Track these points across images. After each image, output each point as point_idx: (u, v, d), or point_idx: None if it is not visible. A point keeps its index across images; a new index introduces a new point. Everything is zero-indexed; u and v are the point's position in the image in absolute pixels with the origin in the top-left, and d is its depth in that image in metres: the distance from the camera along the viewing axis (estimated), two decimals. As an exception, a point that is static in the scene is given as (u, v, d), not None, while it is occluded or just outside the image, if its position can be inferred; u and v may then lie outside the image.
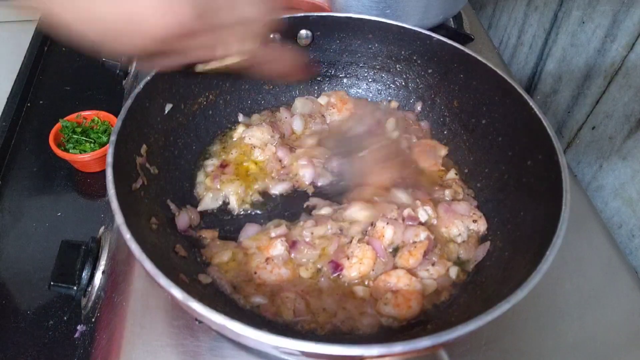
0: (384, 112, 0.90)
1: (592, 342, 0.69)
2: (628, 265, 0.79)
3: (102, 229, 0.80)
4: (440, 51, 0.82)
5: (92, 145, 1.00)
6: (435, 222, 0.73)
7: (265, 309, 0.63)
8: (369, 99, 0.93)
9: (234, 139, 0.82)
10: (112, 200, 0.53)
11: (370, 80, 0.92)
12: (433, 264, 0.67)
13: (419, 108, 0.89)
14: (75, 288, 0.71)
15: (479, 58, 0.77)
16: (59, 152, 0.97)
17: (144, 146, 0.68)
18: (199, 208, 0.74)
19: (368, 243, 0.68)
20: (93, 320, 0.69)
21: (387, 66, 0.89)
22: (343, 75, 0.92)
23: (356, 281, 0.66)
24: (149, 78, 0.67)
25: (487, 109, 0.78)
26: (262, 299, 0.63)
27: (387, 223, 0.69)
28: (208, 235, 0.71)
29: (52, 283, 0.70)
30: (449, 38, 0.80)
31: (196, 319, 0.63)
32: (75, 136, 1.00)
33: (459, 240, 0.72)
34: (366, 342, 0.44)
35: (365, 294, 0.65)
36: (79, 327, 0.73)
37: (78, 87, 1.23)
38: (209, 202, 0.75)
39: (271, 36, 0.82)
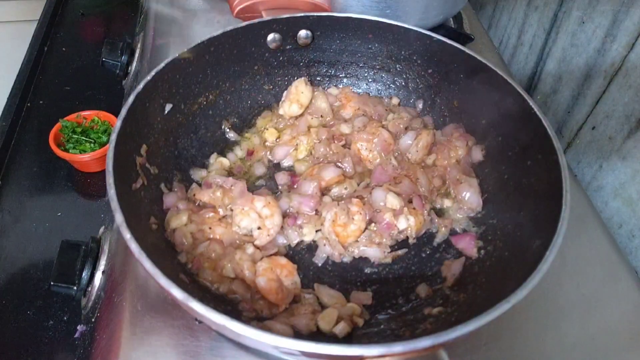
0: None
1: (592, 342, 0.69)
2: (628, 265, 0.79)
3: (102, 229, 0.80)
4: (440, 51, 0.82)
5: (92, 145, 1.00)
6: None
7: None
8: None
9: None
10: (112, 200, 0.53)
11: (370, 80, 0.92)
12: None
13: (419, 108, 0.89)
14: (75, 288, 0.71)
15: (479, 58, 0.77)
16: (59, 152, 0.97)
17: (144, 146, 0.68)
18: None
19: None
20: (93, 320, 0.69)
21: (387, 66, 0.89)
22: (343, 75, 0.92)
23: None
24: (149, 78, 0.67)
25: (487, 109, 0.78)
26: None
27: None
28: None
29: (52, 283, 0.70)
30: (449, 38, 0.80)
31: (196, 319, 0.63)
32: (75, 136, 1.00)
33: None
34: (366, 343, 0.44)
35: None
36: (79, 327, 0.73)
37: (78, 87, 1.23)
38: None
39: (271, 36, 0.83)
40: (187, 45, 0.73)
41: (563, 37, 1.04)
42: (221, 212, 0.71)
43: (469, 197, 0.75)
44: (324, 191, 0.77)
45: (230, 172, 0.80)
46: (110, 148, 0.58)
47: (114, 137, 0.59)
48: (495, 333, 0.67)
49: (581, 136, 0.99)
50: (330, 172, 0.77)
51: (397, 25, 0.82)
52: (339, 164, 0.80)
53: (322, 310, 0.63)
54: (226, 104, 0.84)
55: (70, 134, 1.00)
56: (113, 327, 0.65)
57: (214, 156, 0.81)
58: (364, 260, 0.72)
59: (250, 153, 0.83)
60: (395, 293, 0.68)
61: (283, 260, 0.67)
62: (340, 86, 0.92)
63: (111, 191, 0.54)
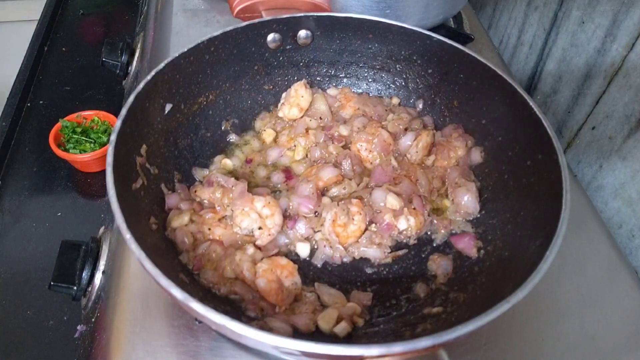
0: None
1: (592, 342, 0.69)
2: (628, 265, 0.79)
3: (102, 229, 0.80)
4: (440, 51, 0.82)
5: (92, 145, 1.00)
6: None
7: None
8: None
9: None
10: (112, 200, 0.53)
11: (370, 80, 0.92)
12: None
13: (419, 108, 0.89)
14: (75, 288, 0.71)
15: (479, 58, 0.77)
16: (59, 152, 0.97)
17: (144, 146, 0.68)
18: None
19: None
20: (93, 320, 0.69)
21: (387, 66, 0.89)
22: (343, 75, 0.92)
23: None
24: (149, 78, 0.67)
25: (487, 109, 0.78)
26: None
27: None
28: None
29: (52, 283, 0.70)
30: (449, 38, 0.80)
31: (196, 319, 0.63)
32: (75, 136, 1.00)
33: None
34: (366, 343, 0.44)
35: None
36: (79, 327, 0.73)
37: (78, 87, 1.23)
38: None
39: (271, 36, 0.83)
40: (187, 45, 0.73)
41: (563, 37, 1.04)
42: (219, 209, 0.70)
43: (466, 201, 0.75)
44: (323, 191, 0.77)
45: (233, 175, 0.80)
46: (110, 148, 0.58)
47: (114, 137, 0.59)
48: (495, 333, 0.67)
49: (581, 136, 0.99)
50: (328, 172, 0.77)
51: (397, 25, 0.82)
52: (338, 165, 0.80)
53: (322, 310, 0.63)
54: (226, 104, 0.84)
55: (70, 134, 1.00)
56: (113, 327, 0.65)
57: (218, 157, 0.81)
58: (364, 260, 0.72)
59: (249, 161, 0.83)
60: (395, 293, 0.68)
61: (284, 261, 0.67)
62: (340, 86, 0.92)
63: (111, 191, 0.54)
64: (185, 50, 0.73)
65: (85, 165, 1.00)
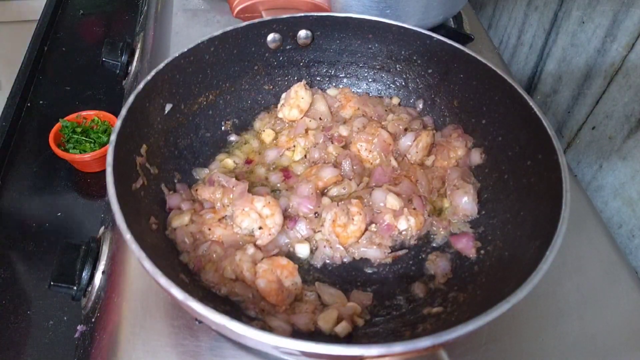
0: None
1: (592, 342, 0.69)
2: (628, 265, 0.79)
3: (102, 229, 0.80)
4: (440, 51, 0.82)
5: (92, 145, 1.00)
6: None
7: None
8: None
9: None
10: (112, 200, 0.53)
11: (370, 80, 0.92)
12: None
13: (419, 108, 0.89)
14: (75, 288, 0.71)
15: (479, 58, 0.77)
16: (59, 152, 0.97)
17: (144, 146, 0.68)
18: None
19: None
20: (93, 320, 0.69)
21: (387, 66, 0.89)
22: (343, 75, 0.92)
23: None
24: (149, 78, 0.67)
25: (487, 109, 0.78)
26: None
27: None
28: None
29: (52, 283, 0.70)
30: (449, 38, 0.80)
31: (196, 319, 0.63)
32: (75, 136, 1.00)
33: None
34: (366, 343, 0.44)
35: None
36: (79, 327, 0.73)
37: (78, 87, 1.23)
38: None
39: (271, 36, 0.83)
40: (187, 45, 0.73)
41: (563, 37, 1.04)
42: (218, 206, 0.70)
43: (464, 204, 0.75)
44: (323, 192, 0.77)
45: (233, 175, 0.80)
46: (110, 148, 0.58)
47: (114, 137, 0.59)
48: (495, 333, 0.67)
49: (581, 136, 0.99)
50: (328, 172, 0.77)
51: (397, 25, 0.82)
52: (338, 165, 0.80)
53: (322, 309, 0.63)
54: (226, 104, 0.84)
55: (70, 134, 1.00)
56: (113, 327, 0.65)
57: (220, 156, 0.81)
58: (364, 260, 0.72)
59: (248, 162, 0.83)
60: (395, 293, 0.68)
61: (284, 261, 0.67)
62: (340, 86, 0.92)
63: (111, 191, 0.54)
64: (186, 50, 0.73)
65: (85, 165, 1.00)
